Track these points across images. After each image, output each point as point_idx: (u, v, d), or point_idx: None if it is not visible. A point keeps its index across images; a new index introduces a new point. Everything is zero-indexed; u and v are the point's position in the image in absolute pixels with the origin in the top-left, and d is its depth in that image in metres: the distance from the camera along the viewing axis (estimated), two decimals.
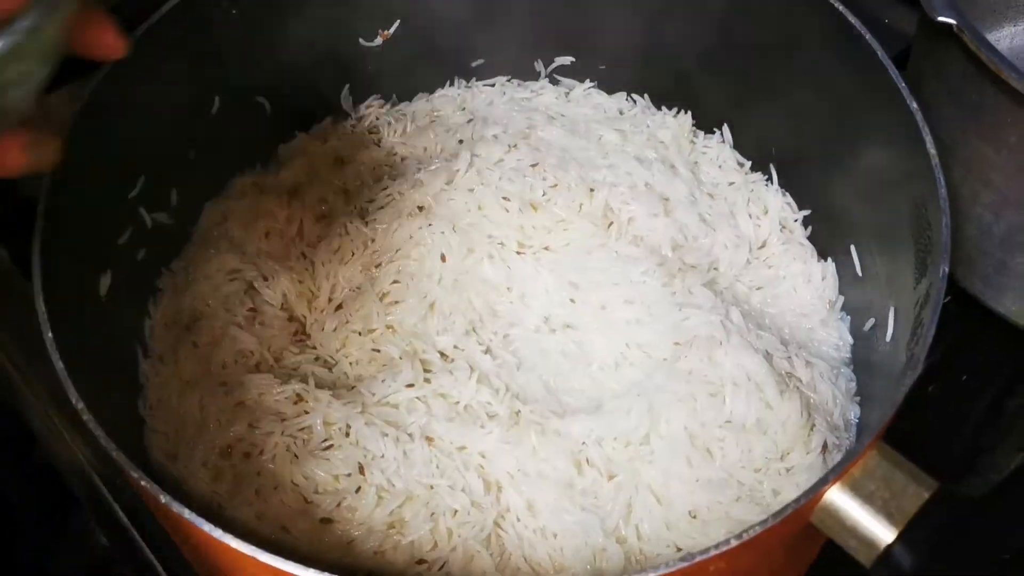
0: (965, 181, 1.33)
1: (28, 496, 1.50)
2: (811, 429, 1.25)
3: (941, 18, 1.21)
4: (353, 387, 1.32)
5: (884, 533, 0.89)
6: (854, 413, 1.32)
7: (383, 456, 1.22)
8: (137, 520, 1.39)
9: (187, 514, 0.88)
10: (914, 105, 1.13)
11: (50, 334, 1.02)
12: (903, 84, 1.15)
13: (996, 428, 1.58)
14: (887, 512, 0.89)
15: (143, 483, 0.91)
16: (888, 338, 1.24)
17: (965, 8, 1.25)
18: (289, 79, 1.53)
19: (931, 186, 1.09)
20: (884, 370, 1.23)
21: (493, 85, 1.66)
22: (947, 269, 1.01)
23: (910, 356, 1.03)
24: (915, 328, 1.07)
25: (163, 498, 0.89)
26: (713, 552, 0.86)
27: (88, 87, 1.22)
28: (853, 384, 1.36)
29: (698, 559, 0.86)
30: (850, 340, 1.39)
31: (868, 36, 1.19)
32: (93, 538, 1.44)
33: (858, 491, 0.90)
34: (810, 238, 1.48)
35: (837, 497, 0.90)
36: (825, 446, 1.25)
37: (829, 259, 1.44)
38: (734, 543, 0.87)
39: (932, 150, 1.08)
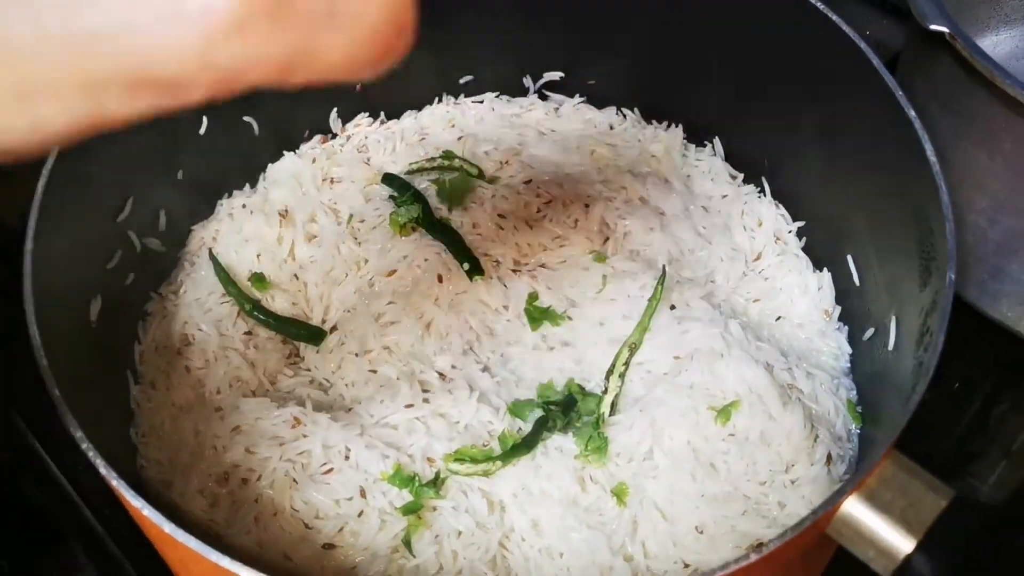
0: (959, 188, 1.33)
1: (13, 531, 1.46)
2: (814, 440, 1.25)
3: (933, 26, 1.21)
4: (351, 409, 1.30)
5: (903, 543, 0.88)
6: (855, 424, 1.32)
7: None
8: (130, 551, 1.36)
9: (193, 543, 0.86)
10: (912, 113, 1.13)
11: (45, 362, 0.99)
12: (900, 92, 1.15)
13: (984, 434, 1.58)
14: (905, 521, 0.88)
15: (146, 512, 0.88)
16: (890, 347, 1.23)
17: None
18: (277, 98, 1.50)
19: (932, 193, 1.09)
20: (888, 379, 1.22)
21: (482, 102, 1.64)
22: (954, 276, 1.00)
23: (919, 364, 1.02)
24: (921, 336, 1.07)
25: (167, 528, 0.87)
26: (733, 567, 0.85)
27: None
28: (854, 394, 1.35)
29: (719, 574, 0.85)
30: (848, 350, 1.39)
31: (863, 45, 1.20)
32: (84, 571, 1.40)
33: (875, 501, 0.89)
34: (805, 249, 1.48)
35: (854, 508, 0.89)
36: (829, 457, 1.24)
37: (825, 269, 1.44)
38: (753, 558, 0.86)
39: (932, 157, 1.08)
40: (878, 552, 0.88)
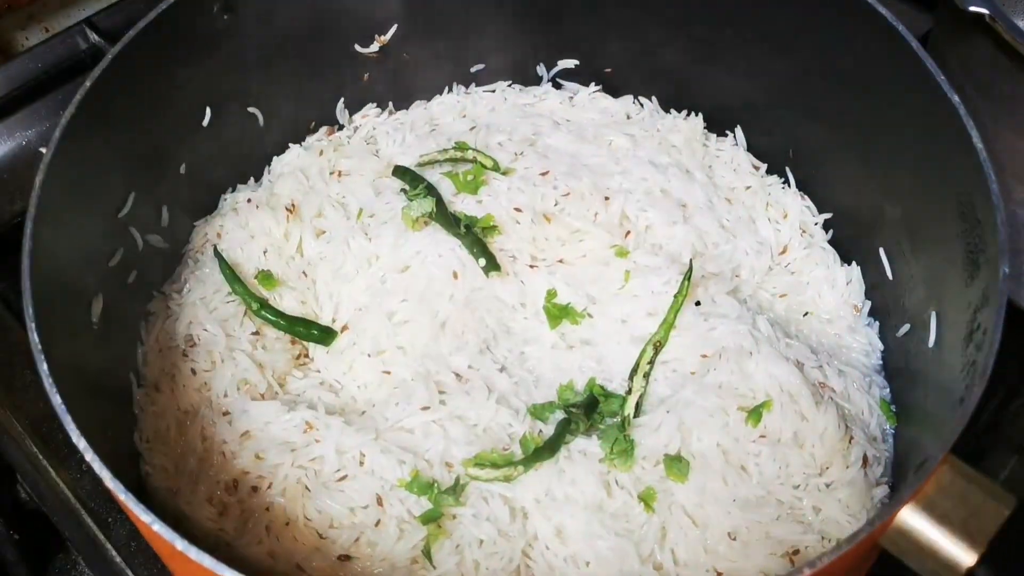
0: (996, 177, 1.28)
1: (11, 536, 1.41)
2: (849, 441, 1.19)
3: (973, 8, 1.16)
4: (364, 412, 1.25)
5: (964, 556, 0.82)
6: (889, 423, 1.27)
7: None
8: (131, 560, 1.30)
9: (207, 561, 0.80)
10: (956, 99, 1.08)
11: (45, 367, 0.93)
12: (942, 78, 1.09)
13: (999, 427, 1.53)
14: (966, 532, 0.82)
15: (156, 528, 0.83)
16: (931, 343, 1.18)
17: None
18: (282, 88, 1.45)
19: (980, 182, 1.03)
20: (928, 377, 1.17)
21: (494, 91, 1.59)
22: (1007, 269, 0.95)
23: (971, 363, 0.97)
24: (970, 332, 1.01)
25: (179, 545, 0.81)
26: None
27: (73, 100, 1.14)
28: (887, 392, 1.30)
29: None
30: (880, 346, 1.34)
31: (901, 28, 1.14)
32: None
33: (933, 511, 0.84)
34: (831, 242, 1.43)
35: (911, 518, 0.84)
36: (865, 459, 1.19)
37: (853, 263, 1.39)
38: (807, 572, 0.80)
39: (979, 144, 1.03)
40: (938, 565, 0.83)
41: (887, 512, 0.84)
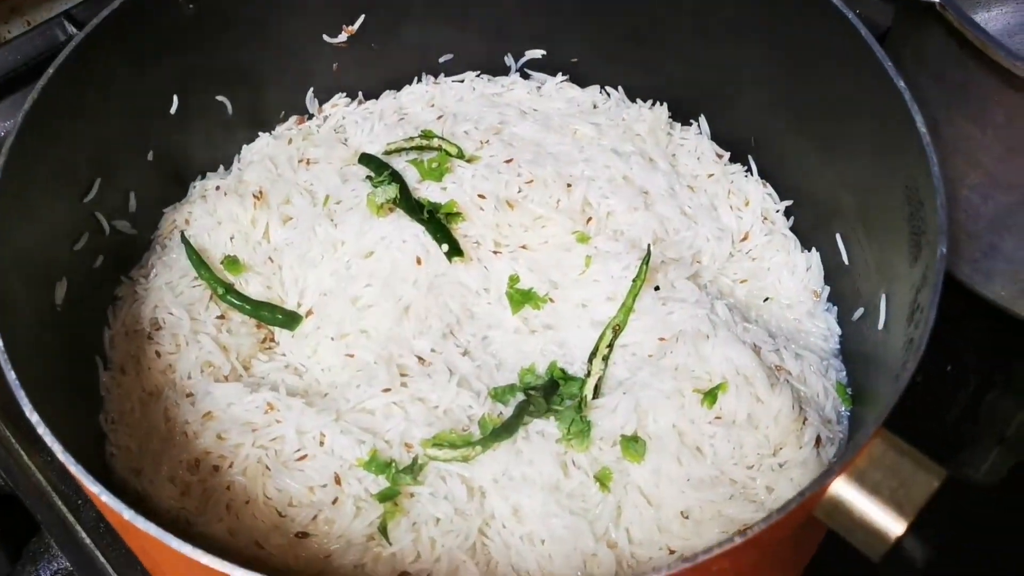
0: (950, 163, 1.30)
1: None
2: (803, 423, 1.21)
3: None
4: (326, 394, 1.27)
5: (893, 525, 0.84)
6: (845, 405, 1.29)
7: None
8: (101, 541, 1.32)
9: (153, 530, 0.82)
10: (901, 84, 1.10)
11: (1, 344, 0.95)
12: (889, 63, 1.11)
13: (977, 418, 1.55)
14: (896, 503, 0.84)
15: (104, 498, 0.85)
16: (880, 326, 1.20)
17: None
18: (251, 77, 1.47)
19: (923, 164, 1.05)
20: (878, 359, 1.19)
21: (462, 81, 1.61)
22: (945, 250, 0.97)
23: (909, 341, 0.99)
24: (912, 312, 1.03)
25: (127, 514, 0.83)
26: (716, 551, 0.82)
27: (36, 86, 1.16)
28: (844, 375, 1.32)
29: (701, 559, 0.81)
30: (838, 330, 1.36)
31: (851, 16, 1.16)
32: (56, 561, 1.37)
33: (864, 482, 0.86)
34: (792, 228, 1.44)
35: (842, 489, 0.86)
36: (818, 440, 1.21)
37: (813, 249, 1.41)
38: (738, 541, 0.83)
39: (922, 128, 1.05)
40: (868, 535, 0.85)
41: (819, 483, 0.86)
